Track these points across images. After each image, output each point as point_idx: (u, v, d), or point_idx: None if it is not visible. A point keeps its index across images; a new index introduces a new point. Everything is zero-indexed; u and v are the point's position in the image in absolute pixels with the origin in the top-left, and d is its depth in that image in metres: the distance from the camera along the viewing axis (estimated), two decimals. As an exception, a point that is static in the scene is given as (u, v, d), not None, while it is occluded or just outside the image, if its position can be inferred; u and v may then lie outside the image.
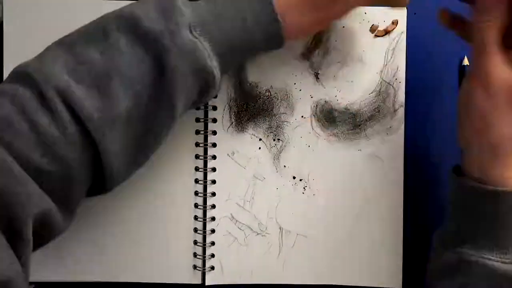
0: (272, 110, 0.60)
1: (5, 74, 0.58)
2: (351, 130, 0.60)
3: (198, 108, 0.59)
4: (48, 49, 0.46)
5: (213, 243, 0.59)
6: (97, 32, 0.45)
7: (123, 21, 0.45)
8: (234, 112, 0.60)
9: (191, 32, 0.45)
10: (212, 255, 0.59)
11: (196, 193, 0.59)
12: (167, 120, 0.48)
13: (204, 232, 0.59)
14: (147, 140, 0.48)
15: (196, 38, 0.45)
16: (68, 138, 0.43)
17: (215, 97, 0.59)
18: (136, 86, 0.44)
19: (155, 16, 0.45)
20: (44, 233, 0.45)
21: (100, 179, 0.47)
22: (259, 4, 0.47)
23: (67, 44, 0.45)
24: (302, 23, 0.49)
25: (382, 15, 0.60)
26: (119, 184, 0.49)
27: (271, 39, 0.49)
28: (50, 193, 0.43)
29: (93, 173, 0.46)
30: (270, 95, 0.60)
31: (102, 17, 0.47)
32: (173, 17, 0.45)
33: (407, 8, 0.60)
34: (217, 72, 0.47)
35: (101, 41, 0.45)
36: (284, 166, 0.60)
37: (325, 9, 0.49)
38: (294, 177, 0.60)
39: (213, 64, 0.46)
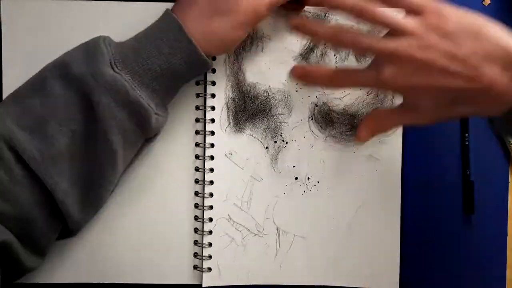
0: (270, 110, 0.60)
1: (5, 74, 0.58)
2: (349, 131, 0.60)
3: (197, 108, 0.59)
4: (2, 102, 0.52)
5: (210, 244, 0.59)
6: (38, 82, 0.51)
7: (57, 69, 0.50)
8: (232, 112, 0.59)
9: (112, 68, 0.49)
10: (209, 256, 0.59)
11: (197, 194, 0.59)
12: (107, 155, 0.51)
13: (202, 233, 0.59)
14: (95, 178, 0.52)
15: (117, 73, 0.49)
16: (16, 180, 0.48)
17: (213, 96, 0.59)
18: (71, 125, 0.49)
19: (81, 59, 0.50)
20: (9, 267, 0.50)
21: (63, 222, 0.52)
22: (172, 33, 0.50)
23: (16, 97, 0.51)
24: (214, 34, 0.52)
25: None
26: (82, 226, 0.55)
27: (192, 61, 0.52)
28: (11, 230, 0.49)
29: (53, 215, 0.51)
30: (268, 95, 0.60)
31: (44, 67, 0.52)
32: (95, 57, 0.49)
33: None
34: (146, 101, 0.50)
35: (40, 90, 0.50)
36: (282, 167, 0.60)
37: (230, 13, 0.51)
38: (291, 178, 0.60)
39: (138, 94, 0.50)
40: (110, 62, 0.49)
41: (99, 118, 0.49)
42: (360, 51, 0.51)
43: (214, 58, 0.59)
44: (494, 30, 0.47)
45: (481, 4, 0.61)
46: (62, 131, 0.49)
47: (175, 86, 0.54)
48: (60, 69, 0.50)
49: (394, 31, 0.48)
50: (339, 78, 0.53)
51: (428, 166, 0.60)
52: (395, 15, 0.48)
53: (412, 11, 0.48)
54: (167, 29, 0.51)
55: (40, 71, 0.52)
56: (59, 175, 0.49)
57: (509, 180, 0.61)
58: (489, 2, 0.61)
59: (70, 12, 0.59)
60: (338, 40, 0.50)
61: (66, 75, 0.50)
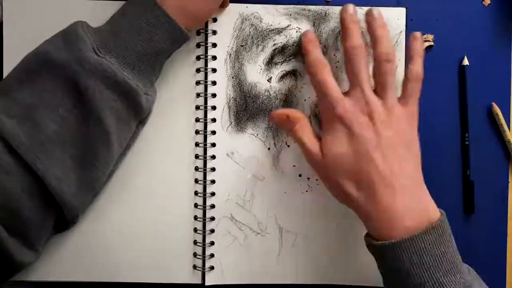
0: (271, 110, 0.59)
1: (5, 75, 0.58)
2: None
3: (197, 108, 0.59)
4: None
5: (212, 243, 0.59)
6: (22, 73, 0.51)
7: (39, 58, 0.50)
8: (234, 112, 0.59)
9: (96, 53, 0.50)
10: (212, 255, 0.59)
11: (196, 193, 0.59)
12: (101, 136, 0.51)
13: (204, 232, 0.59)
14: (89, 161, 0.51)
15: (102, 57, 0.50)
16: (4, 168, 0.47)
17: (214, 96, 0.59)
18: (60, 111, 0.49)
19: (62, 47, 0.50)
20: (2, 263, 0.49)
21: (58, 211, 0.51)
22: (148, 11, 0.51)
23: (3, 89, 0.51)
24: (188, 8, 0.53)
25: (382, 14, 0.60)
26: (79, 214, 0.54)
27: (172, 35, 0.52)
28: (1, 222, 0.47)
29: (45, 205, 0.50)
30: (270, 95, 0.59)
31: (24, 58, 0.52)
32: (76, 44, 0.49)
33: (406, 8, 0.60)
34: (134, 82, 0.51)
35: (26, 81, 0.50)
36: (284, 166, 0.60)
37: None
38: (293, 177, 0.60)
39: (125, 75, 0.50)
40: (93, 48, 0.50)
41: (90, 102, 0.49)
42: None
43: (215, 45, 0.59)
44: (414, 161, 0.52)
45: (481, 4, 0.61)
46: (51, 117, 0.49)
47: (160, 63, 0.54)
48: (42, 58, 0.50)
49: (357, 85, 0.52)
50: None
51: (428, 166, 0.60)
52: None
53: (379, 84, 0.53)
54: (143, 7, 0.51)
55: (21, 62, 0.51)
56: (50, 161, 0.48)
57: (509, 180, 0.62)
58: (489, 2, 0.61)
59: (71, 11, 0.59)
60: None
61: (50, 64, 0.50)
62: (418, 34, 0.55)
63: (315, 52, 0.55)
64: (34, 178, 0.48)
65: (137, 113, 0.53)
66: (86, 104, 0.49)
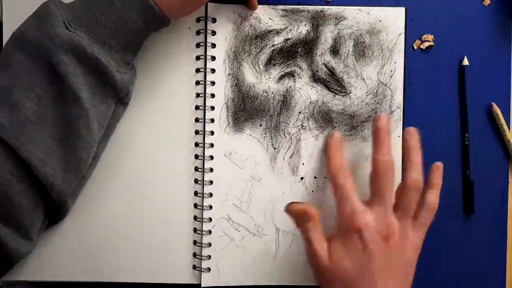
0: (269, 110, 0.60)
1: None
2: (348, 131, 0.60)
3: (197, 108, 0.59)
4: None
5: (209, 244, 0.59)
6: (1, 56, 0.51)
7: (15, 39, 0.50)
8: (232, 112, 0.59)
9: (67, 28, 0.49)
10: (209, 256, 0.59)
11: (196, 194, 0.59)
12: (79, 114, 0.50)
13: (201, 233, 0.59)
14: (71, 141, 0.51)
15: (73, 32, 0.49)
16: None
17: (213, 96, 0.59)
18: (36, 90, 0.49)
19: (35, 25, 0.50)
20: None
21: (49, 197, 0.51)
22: None
23: None
24: None
25: (381, 14, 0.60)
26: (67, 197, 0.53)
27: (148, 17, 0.51)
28: None
29: (33, 188, 0.50)
30: (268, 95, 0.60)
31: (4, 44, 0.51)
32: (48, 21, 0.49)
33: (405, 8, 0.60)
34: (105, 58, 0.50)
35: (3, 63, 0.50)
36: (281, 167, 0.60)
37: None
38: (291, 178, 0.60)
39: (96, 51, 0.49)
40: (64, 23, 0.49)
41: (64, 77, 0.49)
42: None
43: (214, 46, 0.59)
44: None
45: (481, 4, 0.61)
46: (28, 97, 0.49)
47: (135, 42, 0.53)
48: (18, 39, 0.50)
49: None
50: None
51: (428, 166, 0.60)
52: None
53: (401, 207, 0.54)
54: None
55: (2, 49, 0.52)
56: (31, 142, 0.48)
57: (509, 180, 0.61)
58: (489, 2, 0.61)
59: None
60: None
61: (24, 43, 0.49)
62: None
63: (338, 158, 0.56)
64: (20, 161, 0.48)
65: (113, 90, 0.53)
66: (61, 80, 0.49)
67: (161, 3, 0.51)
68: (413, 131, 0.56)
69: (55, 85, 0.49)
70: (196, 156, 0.59)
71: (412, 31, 0.60)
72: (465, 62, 0.60)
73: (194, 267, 0.59)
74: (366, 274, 0.51)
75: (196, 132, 0.59)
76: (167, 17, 0.52)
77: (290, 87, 0.60)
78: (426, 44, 0.60)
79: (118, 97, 0.54)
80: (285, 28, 0.59)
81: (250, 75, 0.60)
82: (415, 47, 0.60)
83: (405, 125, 0.60)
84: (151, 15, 0.51)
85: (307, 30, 0.59)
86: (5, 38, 0.58)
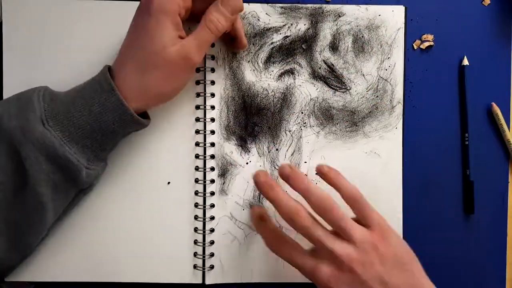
0: (269, 108, 0.60)
1: (5, 74, 0.58)
2: (349, 127, 0.60)
3: (197, 108, 0.59)
4: None
5: (212, 242, 0.59)
6: None
7: None
8: (232, 111, 0.59)
9: (43, 124, 0.50)
10: (212, 254, 0.59)
11: (196, 193, 0.59)
12: (36, 207, 0.51)
13: (204, 232, 0.59)
14: (22, 228, 0.52)
15: (48, 129, 0.50)
16: None
17: (213, 95, 0.59)
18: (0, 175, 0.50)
19: (14, 112, 0.50)
20: None
21: None
22: (104, 93, 0.50)
23: None
24: (149, 89, 0.52)
25: (380, 10, 0.60)
26: (7, 271, 0.58)
27: (125, 121, 0.52)
28: None
29: None
30: (268, 93, 0.60)
31: None
32: (26, 113, 0.50)
33: (405, 7, 0.60)
34: (76, 157, 0.51)
35: None
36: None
37: (160, 66, 0.51)
38: (292, 176, 0.60)
39: (67, 150, 0.50)
40: (41, 119, 0.50)
41: (28, 172, 0.50)
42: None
43: (213, 58, 0.59)
44: (418, 268, 0.51)
45: (481, 4, 0.61)
46: None
47: (111, 141, 0.54)
48: None
49: (343, 232, 0.51)
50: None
51: (428, 166, 0.60)
52: (348, 219, 0.51)
53: (363, 219, 0.52)
54: (100, 88, 0.51)
55: None
56: None
57: (509, 180, 0.61)
58: (489, 2, 0.61)
59: (71, 12, 0.59)
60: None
61: None
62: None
63: (285, 197, 0.53)
64: None
65: (76, 185, 0.53)
66: (24, 173, 0.50)
67: (140, 102, 0.52)
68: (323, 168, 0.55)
69: (17, 176, 0.50)
70: (197, 156, 0.59)
71: (412, 31, 0.60)
72: (465, 62, 0.60)
73: (195, 266, 0.59)
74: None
75: (197, 132, 0.59)
76: (144, 121, 0.54)
77: (290, 84, 0.60)
78: (426, 44, 0.61)
79: (80, 189, 0.55)
80: (283, 25, 0.60)
81: (249, 74, 0.60)
82: (415, 47, 0.61)
83: (405, 124, 0.60)
84: (129, 121, 0.52)
85: (306, 27, 0.60)
86: (5, 38, 0.59)
